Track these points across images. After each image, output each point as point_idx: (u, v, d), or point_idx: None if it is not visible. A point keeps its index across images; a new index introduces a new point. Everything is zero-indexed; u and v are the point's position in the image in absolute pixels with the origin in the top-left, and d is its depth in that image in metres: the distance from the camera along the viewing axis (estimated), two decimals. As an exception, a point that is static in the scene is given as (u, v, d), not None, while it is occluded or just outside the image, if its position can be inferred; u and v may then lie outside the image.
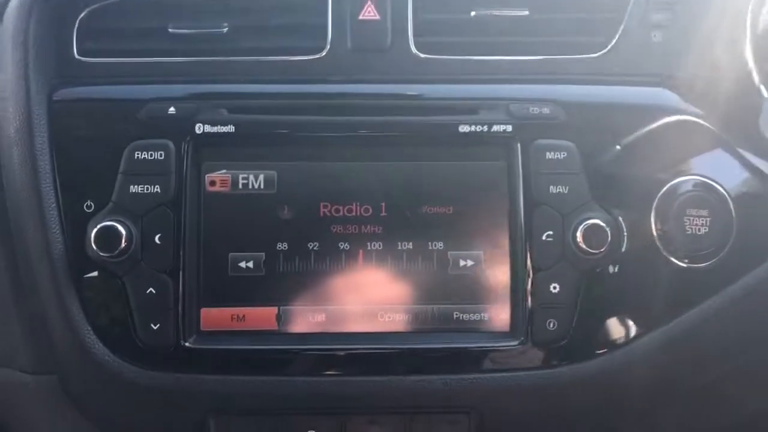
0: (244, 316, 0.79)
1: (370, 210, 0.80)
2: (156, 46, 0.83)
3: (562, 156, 0.80)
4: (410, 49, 0.83)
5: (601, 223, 0.78)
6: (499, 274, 0.80)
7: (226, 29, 0.82)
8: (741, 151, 0.82)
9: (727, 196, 0.80)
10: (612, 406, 0.84)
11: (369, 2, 0.83)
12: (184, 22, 0.83)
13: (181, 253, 0.78)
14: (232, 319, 0.79)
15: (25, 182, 0.78)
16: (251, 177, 0.80)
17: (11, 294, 0.81)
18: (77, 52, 0.83)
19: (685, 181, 0.80)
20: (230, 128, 0.79)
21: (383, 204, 0.80)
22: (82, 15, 0.83)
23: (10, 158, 0.79)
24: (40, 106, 0.79)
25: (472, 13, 0.83)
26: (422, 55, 0.83)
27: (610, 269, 0.79)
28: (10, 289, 0.81)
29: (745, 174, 0.81)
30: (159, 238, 0.77)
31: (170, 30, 0.82)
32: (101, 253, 0.76)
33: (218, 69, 0.82)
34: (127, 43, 0.83)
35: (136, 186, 0.78)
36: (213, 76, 0.82)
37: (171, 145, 0.78)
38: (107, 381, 0.78)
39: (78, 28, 0.83)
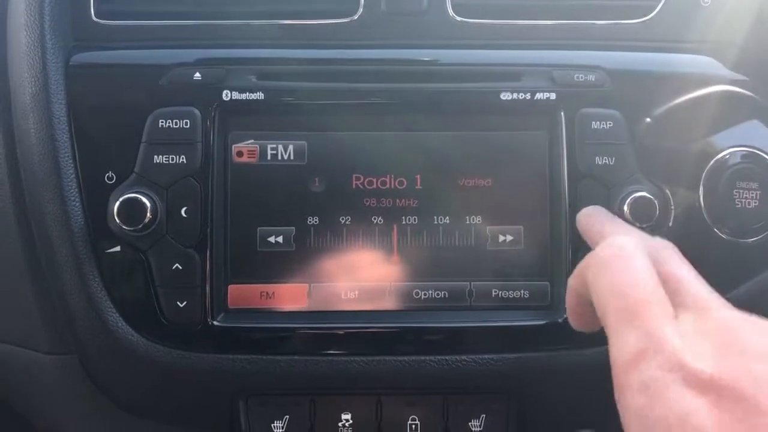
0: (273, 293, 0.75)
1: (405, 182, 0.76)
2: (179, 8, 0.78)
3: (608, 126, 0.76)
4: (448, 12, 0.79)
5: (649, 196, 0.74)
6: (541, 250, 0.76)
7: None
8: (792, 120, 0.79)
9: (777, 167, 0.76)
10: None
11: (405, -38, 0.78)
12: None
13: (208, 227, 0.74)
14: (261, 296, 0.75)
15: (42, 152, 0.74)
16: (280, 147, 0.76)
17: (28, 271, 0.77)
18: (95, 14, 0.78)
19: (734, 152, 0.77)
20: (259, 95, 0.75)
21: (418, 176, 0.76)
22: (99, -25, 0.78)
23: (26, 127, 0.74)
24: (56, 71, 0.75)
25: (514, -25, 0.79)
26: (460, 19, 0.79)
27: None
28: (27, 266, 0.77)
29: (795, 143, 0.78)
30: (185, 211, 0.74)
31: None
32: (124, 227, 0.72)
33: (246, 33, 0.78)
34: (148, 5, 0.79)
35: (160, 156, 0.74)
36: (240, 40, 0.78)
37: (197, 112, 0.74)
38: (130, 361, 0.75)
39: None
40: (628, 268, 0.54)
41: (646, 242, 0.59)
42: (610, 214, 0.72)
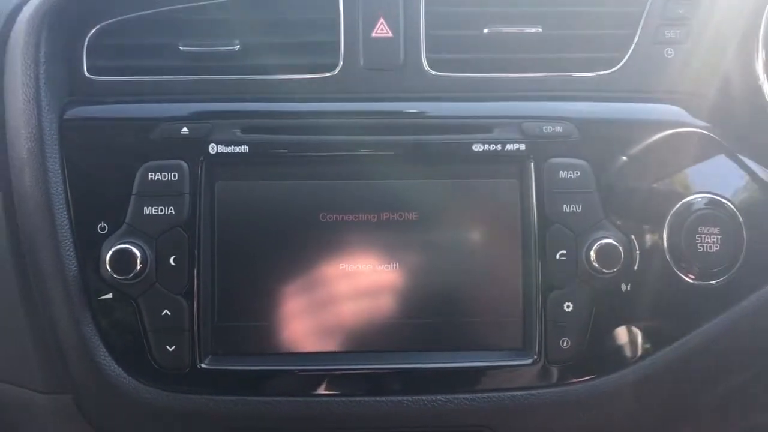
0: (259, 336, 0.79)
1: (384, 229, 0.80)
2: (167, 64, 0.82)
3: (576, 175, 0.80)
4: (423, 66, 0.83)
5: (615, 243, 0.78)
6: (512, 292, 0.80)
7: (237, 47, 0.82)
8: (752, 167, 0.82)
9: (737, 213, 0.80)
10: (626, 422, 0.84)
11: (381, 19, 0.82)
12: (196, 40, 0.82)
13: (195, 274, 0.78)
14: (247, 339, 0.79)
15: (37, 204, 0.78)
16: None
17: (25, 314, 0.81)
18: (87, 70, 0.82)
19: (697, 198, 0.81)
20: (244, 148, 0.79)
21: (397, 222, 0.80)
22: (91, 33, 0.82)
23: (22, 179, 0.78)
24: (51, 126, 0.79)
25: (485, 30, 0.83)
26: (435, 73, 0.83)
27: (623, 287, 0.80)
28: (24, 309, 0.81)
29: (755, 190, 0.82)
30: (174, 260, 0.77)
31: (181, 48, 0.82)
32: (116, 276, 0.76)
33: (230, 87, 0.82)
34: (138, 61, 0.83)
35: (149, 207, 0.77)
36: (225, 94, 0.82)
37: (185, 165, 0.78)
38: (122, 402, 0.79)
39: (87, 45, 0.82)
40: None
41: None
42: None
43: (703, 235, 0.80)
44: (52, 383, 0.83)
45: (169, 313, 0.77)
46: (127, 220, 0.77)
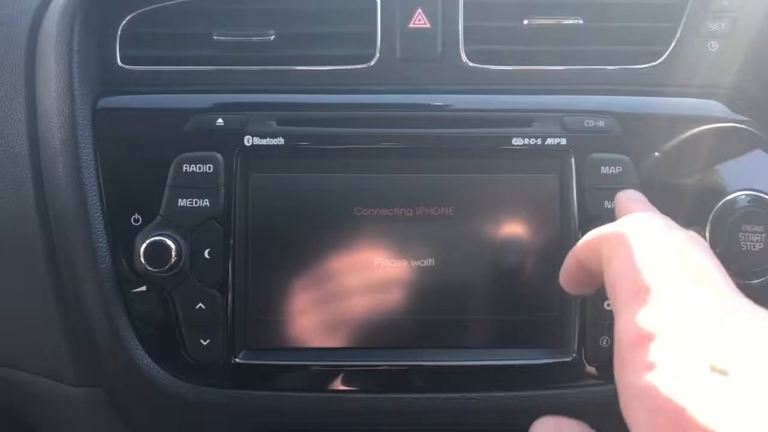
0: (294, 331, 0.78)
1: (421, 223, 0.78)
2: (200, 54, 0.81)
3: (618, 170, 0.78)
4: (461, 58, 0.81)
5: None
6: (551, 290, 0.79)
7: (272, 37, 0.80)
8: (797, 164, 0.81)
9: (782, 210, 0.79)
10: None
11: (419, 10, 0.81)
12: (230, 30, 0.81)
13: (230, 267, 0.77)
14: (282, 334, 0.78)
15: (70, 195, 0.77)
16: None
17: (56, 307, 0.80)
18: (120, 60, 0.81)
19: (740, 195, 0.79)
20: (279, 140, 0.77)
21: (434, 217, 0.79)
22: (124, 22, 0.81)
23: (55, 171, 0.77)
24: (84, 116, 0.78)
25: (525, 22, 0.81)
26: (473, 65, 0.81)
27: None
28: (56, 302, 0.80)
29: (800, 187, 0.80)
30: (208, 253, 0.76)
31: (215, 37, 0.81)
32: (150, 268, 0.75)
33: (265, 78, 0.81)
34: (171, 51, 0.81)
35: (184, 199, 0.76)
36: (260, 85, 0.81)
37: (220, 157, 0.77)
38: (155, 396, 0.78)
39: (120, 35, 0.81)
40: (648, 247, 0.52)
41: (671, 226, 0.57)
42: (647, 201, 0.71)
43: (746, 233, 0.78)
44: (84, 376, 0.82)
45: (203, 307, 0.76)
46: (161, 212, 0.76)
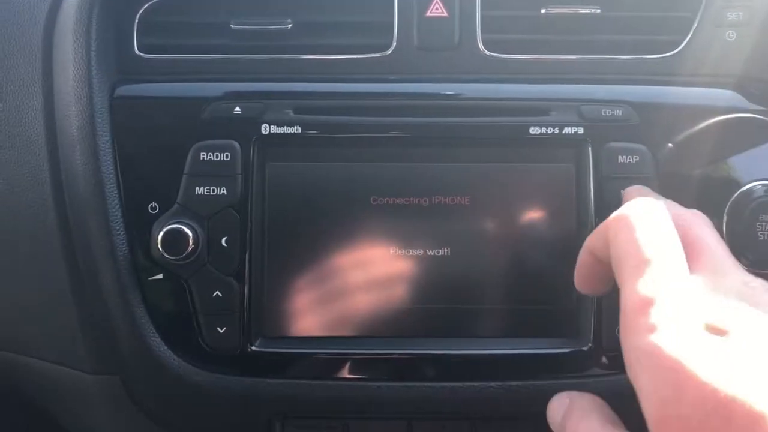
0: (310, 319, 0.78)
1: (437, 212, 0.78)
2: (218, 42, 0.81)
3: (635, 160, 0.78)
4: (478, 47, 0.81)
5: None
6: (567, 279, 0.78)
7: (290, 26, 0.80)
8: (815, 154, 0.80)
9: (799, 201, 0.78)
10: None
11: (436, -1, 0.81)
12: (247, 18, 0.81)
13: (247, 255, 0.77)
14: (298, 322, 0.78)
15: (88, 183, 0.77)
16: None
17: (73, 296, 0.80)
18: (138, 48, 0.81)
19: (757, 186, 0.79)
20: (297, 129, 0.77)
21: (450, 206, 0.79)
22: (141, 10, 0.81)
23: (73, 159, 0.77)
24: (102, 104, 0.78)
25: (542, 11, 0.81)
26: (490, 53, 0.81)
27: None
28: (72, 291, 0.80)
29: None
30: (225, 241, 0.76)
31: (232, 26, 0.81)
32: (167, 256, 0.75)
33: (282, 67, 0.81)
34: (188, 39, 0.81)
35: (201, 188, 0.77)
36: (277, 74, 0.80)
37: (237, 146, 0.77)
38: (171, 384, 0.78)
39: (138, 23, 0.81)
40: (649, 224, 0.55)
41: (674, 209, 0.61)
42: (651, 191, 0.74)
43: (763, 223, 0.78)
44: (101, 364, 0.82)
45: (220, 295, 0.76)
46: (178, 200, 0.77)
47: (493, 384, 0.78)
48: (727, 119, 0.80)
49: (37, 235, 0.80)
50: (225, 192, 0.76)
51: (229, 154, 0.77)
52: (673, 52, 0.82)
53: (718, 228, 0.77)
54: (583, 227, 0.78)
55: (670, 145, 0.79)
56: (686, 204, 0.78)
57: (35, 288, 0.82)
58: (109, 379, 0.83)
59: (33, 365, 0.85)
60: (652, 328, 0.48)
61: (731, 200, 0.78)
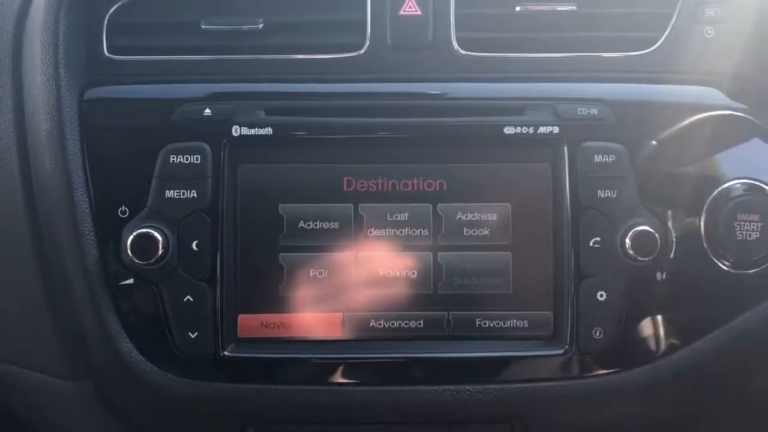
0: (282, 323, 0.77)
1: (407, 214, 0.78)
2: (188, 43, 0.80)
3: (611, 159, 0.77)
4: (453, 45, 0.80)
5: (651, 230, 0.75)
6: (544, 281, 0.78)
7: (261, 25, 0.79)
8: (794, 152, 0.79)
9: (778, 199, 0.77)
10: (659, 415, 0.82)
11: (410, -4, 0.79)
12: (218, 18, 0.79)
13: (218, 259, 0.76)
14: (270, 326, 0.77)
15: (57, 187, 0.76)
16: None
17: (46, 301, 0.79)
18: (107, 50, 0.80)
19: (736, 184, 0.78)
20: (268, 130, 0.76)
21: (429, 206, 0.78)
22: (111, 11, 0.80)
23: (42, 163, 0.76)
24: (70, 107, 0.77)
25: (517, 8, 0.80)
26: (465, 52, 0.80)
27: (658, 276, 0.77)
28: (45, 296, 0.79)
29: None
30: (196, 245, 0.75)
31: (203, 26, 0.79)
32: (137, 261, 0.74)
33: (253, 67, 0.79)
34: (158, 40, 0.80)
35: (171, 191, 0.76)
36: (248, 74, 0.79)
37: (207, 148, 0.76)
38: (144, 389, 0.77)
39: (107, 24, 0.80)
40: None
41: None
42: None
43: (742, 222, 0.77)
44: (73, 369, 0.81)
45: (191, 300, 0.75)
46: (148, 204, 0.76)
47: (469, 387, 0.77)
48: (706, 117, 0.79)
49: (9, 241, 0.80)
50: (195, 195, 0.75)
51: (199, 156, 0.76)
52: (650, 49, 0.81)
53: (697, 227, 0.77)
54: (559, 228, 0.77)
55: (647, 143, 0.78)
56: (665, 203, 0.78)
57: (8, 293, 0.81)
58: (82, 384, 0.82)
59: (6, 371, 0.84)
60: None
61: (710, 199, 0.78)
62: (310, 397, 0.77)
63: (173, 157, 0.76)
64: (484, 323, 0.78)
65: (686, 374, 0.79)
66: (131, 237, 0.74)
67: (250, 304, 0.77)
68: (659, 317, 0.78)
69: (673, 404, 0.81)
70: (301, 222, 0.77)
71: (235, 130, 0.76)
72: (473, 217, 0.78)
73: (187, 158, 0.76)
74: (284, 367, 0.77)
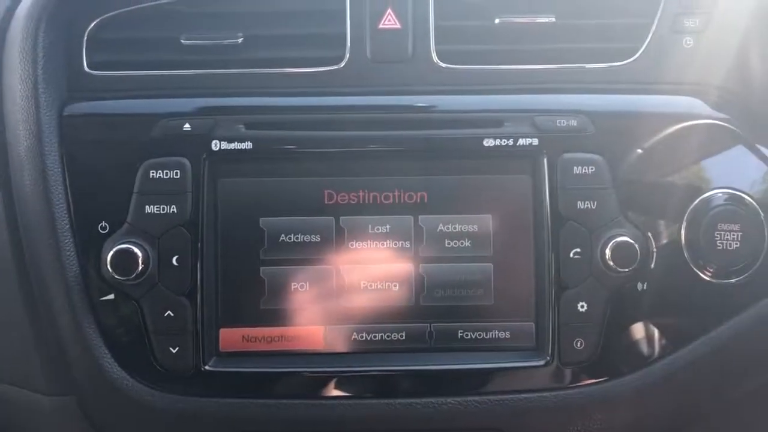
0: (263, 337, 0.77)
1: (389, 226, 0.78)
2: (168, 58, 0.80)
3: (591, 170, 0.77)
4: (432, 58, 0.80)
5: (631, 240, 0.75)
6: (525, 292, 0.78)
7: (240, 40, 0.79)
8: (774, 162, 0.80)
9: (758, 209, 0.78)
10: (641, 424, 0.82)
11: (389, 10, 0.80)
12: (197, 33, 0.80)
13: (198, 274, 0.76)
14: (251, 340, 0.77)
15: (37, 203, 0.76)
16: None
17: (27, 316, 0.79)
18: (87, 65, 0.80)
19: (716, 194, 0.78)
20: (248, 145, 0.76)
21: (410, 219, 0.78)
22: (91, 26, 0.80)
23: (22, 180, 0.76)
24: (50, 123, 0.77)
25: (496, 21, 0.80)
26: (444, 65, 0.80)
27: (639, 286, 0.77)
28: (26, 312, 0.79)
29: (777, 186, 0.79)
30: (176, 260, 0.75)
31: (183, 41, 0.79)
32: (117, 276, 0.74)
33: (233, 82, 0.80)
34: (138, 55, 0.80)
35: (151, 206, 0.76)
36: (228, 89, 0.80)
37: (187, 163, 0.76)
38: (125, 404, 0.77)
39: (87, 39, 0.80)
40: None
41: None
42: None
43: (722, 232, 0.77)
44: (56, 385, 0.81)
45: (172, 314, 0.75)
46: (128, 219, 0.76)
47: (451, 399, 0.77)
48: (687, 126, 0.79)
49: None
50: (175, 210, 0.75)
51: (178, 171, 0.76)
52: (630, 60, 0.81)
53: (677, 237, 0.77)
54: (539, 239, 0.77)
55: (627, 154, 0.78)
56: (646, 213, 0.78)
57: None
58: (64, 400, 0.82)
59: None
60: None
61: (690, 208, 0.78)
62: (292, 410, 0.77)
63: (153, 173, 0.76)
64: (466, 335, 0.78)
65: (669, 383, 0.79)
66: (111, 253, 0.74)
67: (232, 318, 0.77)
68: (641, 328, 0.78)
69: (656, 413, 0.81)
70: (282, 235, 0.77)
71: (215, 145, 0.76)
72: (454, 228, 0.78)
73: (166, 173, 0.76)
74: (266, 380, 0.77)
